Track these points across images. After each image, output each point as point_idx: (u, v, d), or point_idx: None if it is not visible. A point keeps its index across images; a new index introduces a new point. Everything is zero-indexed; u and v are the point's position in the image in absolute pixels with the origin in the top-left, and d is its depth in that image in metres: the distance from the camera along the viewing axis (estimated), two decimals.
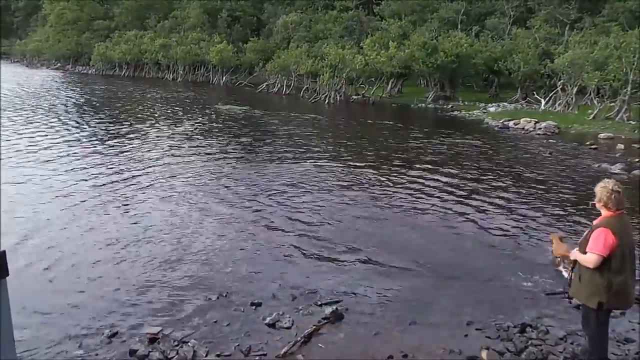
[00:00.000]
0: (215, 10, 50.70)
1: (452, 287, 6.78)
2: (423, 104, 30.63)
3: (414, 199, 10.89)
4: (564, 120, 22.55)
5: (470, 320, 5.88)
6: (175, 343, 5.30)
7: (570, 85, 25.86)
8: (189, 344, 5.28)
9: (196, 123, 21.99)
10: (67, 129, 19.31)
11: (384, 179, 12.57)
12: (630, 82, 22.10)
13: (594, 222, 4.57)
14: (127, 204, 10.18)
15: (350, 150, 16.57)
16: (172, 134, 19.06)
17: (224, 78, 45.31)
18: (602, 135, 19.54)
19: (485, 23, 36.60)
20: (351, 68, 31.04)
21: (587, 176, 13.28)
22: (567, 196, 11.34)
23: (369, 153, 16.17)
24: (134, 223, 9.04)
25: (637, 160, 15.16)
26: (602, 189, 4.45)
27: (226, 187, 11.64)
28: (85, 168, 13.10)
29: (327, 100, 31.71)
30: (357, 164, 14.28)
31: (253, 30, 49.13)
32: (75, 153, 14.91)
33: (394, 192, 11.42)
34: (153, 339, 5.36)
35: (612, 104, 23.49)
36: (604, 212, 4.47)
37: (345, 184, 12.15)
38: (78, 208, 9.84)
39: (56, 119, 21.82)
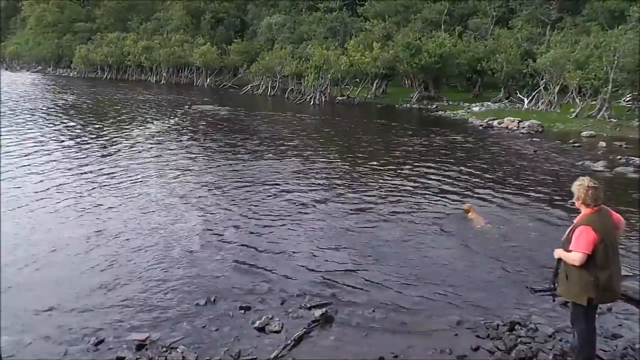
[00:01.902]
0: (198, 12, 50.41)
1: (440, 287, 6.78)
2: (408, 104, 30.76)
3: (401, 198, 10.90)
4: (547, 119, 22.81)
5: (459, 319, 5.89)
6: (164, 349, 5.23)
7: (553, 85, 26.17)
8: (178, 349, 5.21)
9: (177, 125, 21.82)
10: (42, 132, 19.04)
11: (373, 179, 12.57)
12: (610, 80, 22.44)
13: (575, 221, 4.63)
14: (105, 206, 10.01)
15: (336, 151, 16.56)
16: (153, 136, 18.87)
17: (208, 80, 45.07)
18: (584, 134, 19.81)
19: (468, 23, 36.90)
20: (336, 69, 31.08)
21: (571, 174, 13.41)
22: (551, 194, 11.44)
23: (354, 152, 16.18)
24: (113, 227, 8.86)
25: (618, 157, 15.39)
26: (579, 187, 4.55)
27: (209, 187, 11.55)
28: (62, 170, 12.91)
29: (312, 102, 31.71)
30: (344, 164, 14.28)
31: (237, 31, 48.94)
32: (52, 156, 14.71)
33: (381, 191, 11.42)
34: (141, 345, 5.28)
35: (594, 103, 23.83)
36: (584, 210, 4.55)
37: (333, 184, 12.12)
38: (54, 211, 9.70)
39: (33, 122, 21.51)
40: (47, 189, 11.19)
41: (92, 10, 62.66)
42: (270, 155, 15.50)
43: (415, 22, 37.66)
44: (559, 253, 4.67)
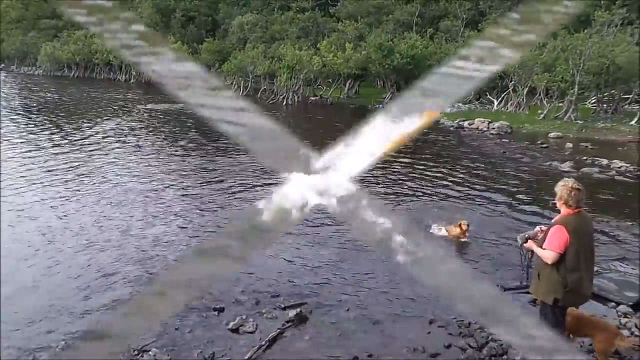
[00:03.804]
0: (168, 10, 49.70)
1: (412, 286, 6.84)
2: (380, 105, 30.97)
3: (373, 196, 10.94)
4: (516, 120, 23.29)
5: (432, 318, 5.95)
6: (135, 352, 5.13)
7: (521, 87, 26.73)
8: (150, 352, 5.12)
9: (144, 124, 21.47)
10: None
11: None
12: (576, 83, 23.05)
13: (553, 220, 4.69)
14: (62, 206, 9.82)
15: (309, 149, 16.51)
16: (117, 134, 18.53)
17: None
18: (551, 135, 20.29)
19: (439, 25, 37.41)
20: (308, 69, 31.10)
21: (540, 174, 13.74)
22: (519, 193, 11.67)
23: (326, 151, 16.15)
24: (72, 226, 8.68)
25: (584, 158, 15.80)
26: (563, 187, 4.53)
27: (176, 187, 11.40)
28: (18, 169, 12.59)
29: (285, 102, 31.65)
30: None
31: (208, 30, 48.41)
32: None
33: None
34: None
35: (561, 105, 24.44)
36: (564, 210, 4.55)
37: None
38: (11, 212, 9.44)
39: None
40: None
41: (58, 6, 61.17)
42: (241, 154, 15.34)
43: (387, 23, 37.97)
44: (534, 248, 4.70)
